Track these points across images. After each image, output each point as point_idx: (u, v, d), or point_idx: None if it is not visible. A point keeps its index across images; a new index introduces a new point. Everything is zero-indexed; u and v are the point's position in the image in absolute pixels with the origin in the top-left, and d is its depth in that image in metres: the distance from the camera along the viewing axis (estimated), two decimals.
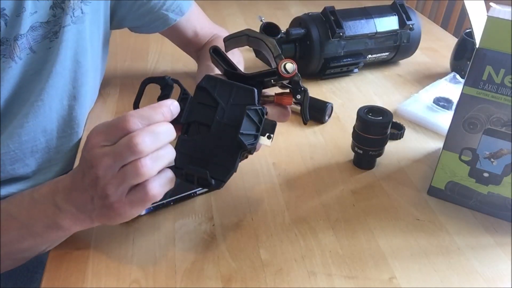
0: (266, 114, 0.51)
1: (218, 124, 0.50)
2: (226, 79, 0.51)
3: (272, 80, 0.52)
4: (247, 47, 0.88)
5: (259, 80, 0.52)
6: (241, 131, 0.49)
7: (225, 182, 0.50)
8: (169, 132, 0.46)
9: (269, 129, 0.50)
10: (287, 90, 0.54)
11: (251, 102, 0.50)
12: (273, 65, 0.53)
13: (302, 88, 0.53)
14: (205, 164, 0.49)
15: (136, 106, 0.50)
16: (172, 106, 0.47)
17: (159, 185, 0.45)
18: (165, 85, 0.51)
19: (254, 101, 0.50)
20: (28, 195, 0.49)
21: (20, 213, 0.49)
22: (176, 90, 0.51)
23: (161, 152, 0.45)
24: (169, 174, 0.47)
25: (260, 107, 0.50)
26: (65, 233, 0.49)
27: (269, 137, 0.50)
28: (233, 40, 0.56)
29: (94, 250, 0.52)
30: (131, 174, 0.43)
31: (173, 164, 0.49)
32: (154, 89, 0.51)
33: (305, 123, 0.54)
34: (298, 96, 0.53)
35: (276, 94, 0.54)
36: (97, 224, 0.48)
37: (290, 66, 0.50)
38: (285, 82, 0.53)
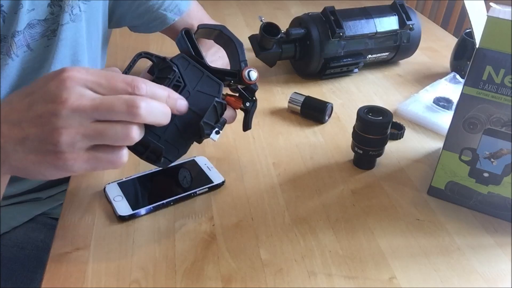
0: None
1: None
2: (198, 65, 0.51)
3: (232, 81, 0.54)
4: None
5: (219, 76, 0.52)
6: (204, 120, 0.49)
7: (171, 163, 0.50)
8: (165, 116, 0.44)
9: (220, 125, 0.52)
10: (237, 94, 0.55)
11: (216, 95, 0.51)
12: (234, 67, 0.54)
13: (255, 98, 0.55)
14: (158, 139, 0.49)
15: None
16: (179, 101, 0.46)
17: (126, 155, 0.43)
18: (164, 68, 0.49)
19: (219, 94, 0.51)
20: None
21: None
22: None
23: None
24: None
25: (224, 102, 0.52)
26: None
27: (217, 133, 0.51)
28: (207, 31, 0.57)
29: (94, 250, 0.52)
30: (118, 134, 0.40)
31: None
32: None
33: (244, 130, 0.57)
34: (248, 104, 0.55)
35: (227, 95, 0.54)
36: (9, 174, 0.42)
37: (254, 74, 0.54)
38: (240, 87, 0.55)
